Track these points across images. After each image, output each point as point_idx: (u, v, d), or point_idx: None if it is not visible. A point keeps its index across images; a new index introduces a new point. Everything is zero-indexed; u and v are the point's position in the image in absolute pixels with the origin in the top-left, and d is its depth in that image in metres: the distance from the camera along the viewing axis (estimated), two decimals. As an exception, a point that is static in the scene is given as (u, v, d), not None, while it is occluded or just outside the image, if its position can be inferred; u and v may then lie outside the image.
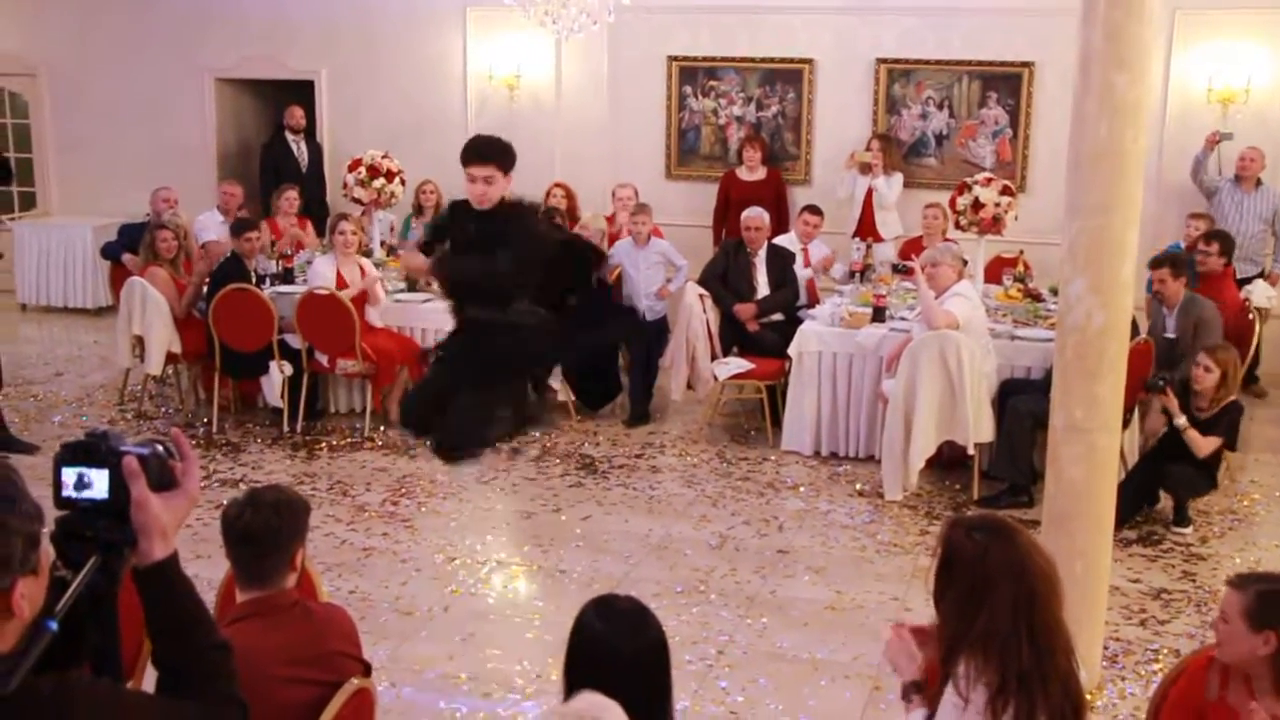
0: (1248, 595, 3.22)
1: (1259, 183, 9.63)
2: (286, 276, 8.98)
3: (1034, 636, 3.04)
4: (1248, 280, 9.45)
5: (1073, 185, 5.06)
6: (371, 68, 11.83)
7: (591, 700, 2.38)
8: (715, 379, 8.41)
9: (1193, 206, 9.59)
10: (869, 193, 10.23)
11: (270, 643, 3.23)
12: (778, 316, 8.81)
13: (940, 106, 10.64)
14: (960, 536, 3.15)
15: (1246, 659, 3.21)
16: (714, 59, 11.07)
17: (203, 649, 2.07)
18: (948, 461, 7.53)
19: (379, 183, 9.76)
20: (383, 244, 10.03)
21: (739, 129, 11.08)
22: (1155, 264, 7.88)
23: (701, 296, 8.57)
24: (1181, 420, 6.80)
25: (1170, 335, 7.73)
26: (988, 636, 3.03)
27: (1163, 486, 7.05)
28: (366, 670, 3.42)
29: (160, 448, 2.05)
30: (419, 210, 10.63)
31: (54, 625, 1.84)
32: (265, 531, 3.31)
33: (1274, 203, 9.60)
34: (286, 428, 8.36)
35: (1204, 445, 6.81)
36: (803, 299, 9.10)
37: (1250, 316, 8.20)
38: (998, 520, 3.26)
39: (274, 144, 11.88)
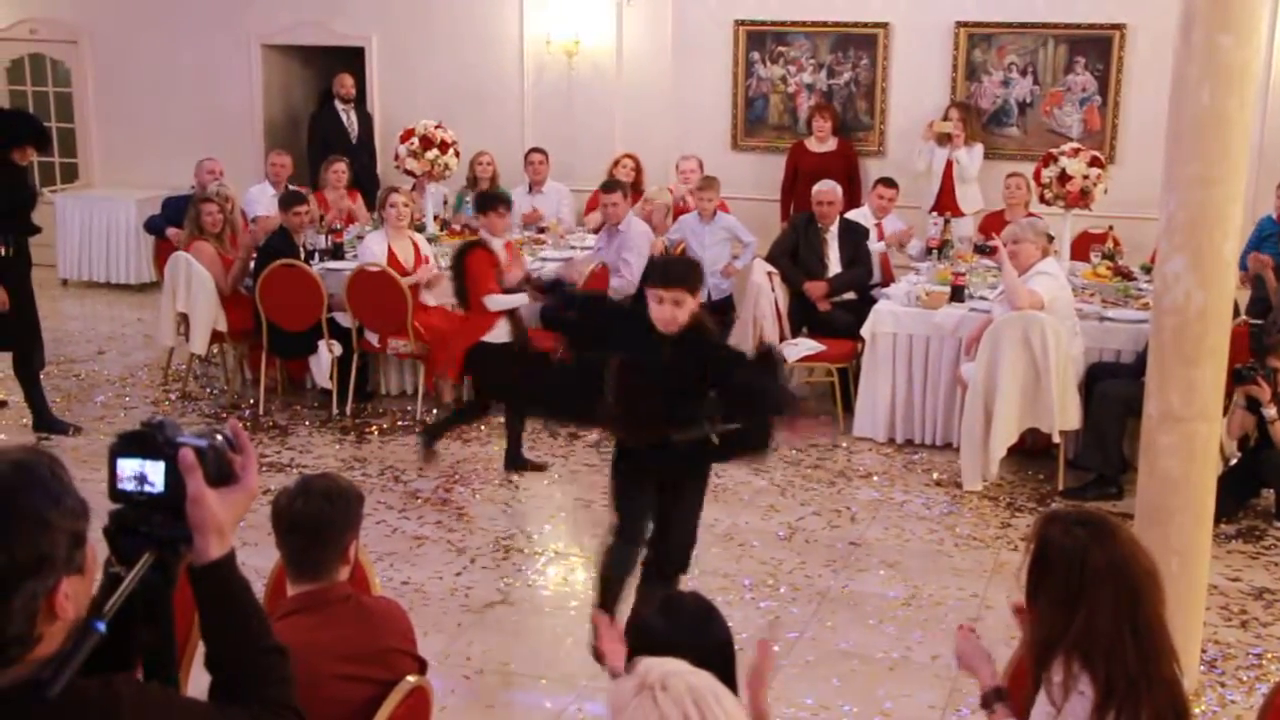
0: None
1: None
2: (336, 252, 8.99)
3: (1139, 639, 2.98)
4: None
5: (1172, 156, 4.95)
6: (424, 34, 11.82)
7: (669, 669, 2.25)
8: (785, 361, 8.33)
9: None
10: (948, 165, 10.10)
11: (322, 639, 3.22)
12: (850, 295, 8.72)
13: (1024, 73, 10.46)
14: (1058, 532, 3.09)
15: None
16: (783, 23, 10.95)
17: (258, 653, 2.05)
18: (1031, 450, 7.42)
19: (432, 154, 9.75)
20: (436, 218, 10.03)
21: (809, 97, 10.96)
22: None
23: (770, 274, 8.50)
24: (1271, 411, 6.62)
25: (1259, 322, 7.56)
26: (1088, 639, 2.98)
27: (1263, 479, 6.90)
28: (422, 667, 3.41)
29: (220, 439, 2.02)
30: (474, 183, 10.62)
31: (102, 626, 1.82)
32: (317, 522, 3.30)
33: None
34: (335, 410, 8.39)
35: None
36: (877, 277, 9.01)
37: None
38: (1097, 516, 3.19)
39: (322, 113, 11.92)
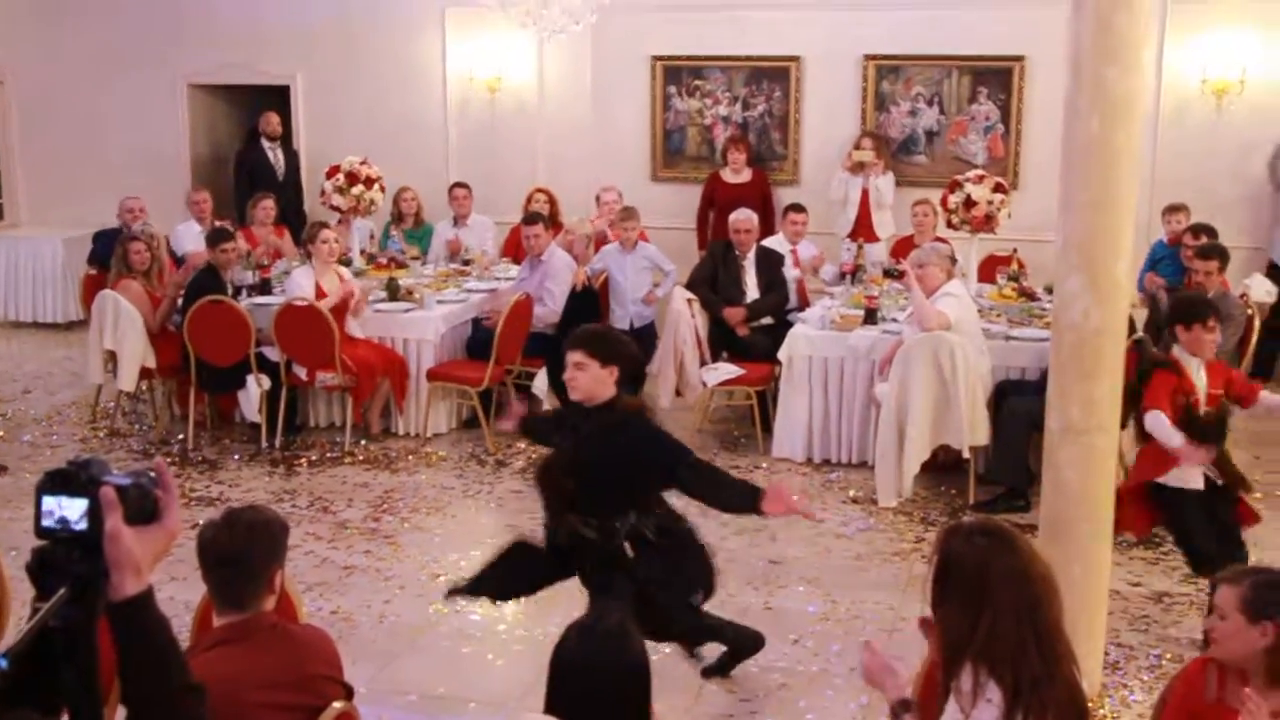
0: (1243, 588, 3.23)
1: None
2: (264, 287, 8.95)
3: (1040, 643, 3.05)
4: None
5: (1066, 182, 5.07)
6: (348, 72, 11.81)
7: None
8: (704, 385, 8.41)
9: (1192, 202, 9.61)
10: (864, 192, 10.26)
11: (248, 668, 3.21)
12: (768, 320, 8.81)
13: (930, 103, 10.66)
14: (959, 543, 3.16)
15: (1245, 654, 3.21)
16: (698, 58, 11.09)
17: (174, 691, 2.04)
18: (943, 466, 7.54)
19: (358, 190, 9.75)
20: (362, 253, 10.01)
21: (725, 129, 11.08)
22: (1206, 255, 7.89)
23: (689, 301, 8.58)
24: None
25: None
26: (993, 645, 3.04)
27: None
28: (348, 693, 3.41)
29: (145, 479, 2.02)
30: (399, 218, 10.62)
31: (3, 663, 1.80)
32: (241, 554, 3.30)
33: None
34: (265, 443, 8.32)
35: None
36: (793, 302, 9.11)
37: (1250, 312, 8.19)
38: (996, 525, 3.27)
39: (249, 151, 11.87)
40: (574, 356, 4.62)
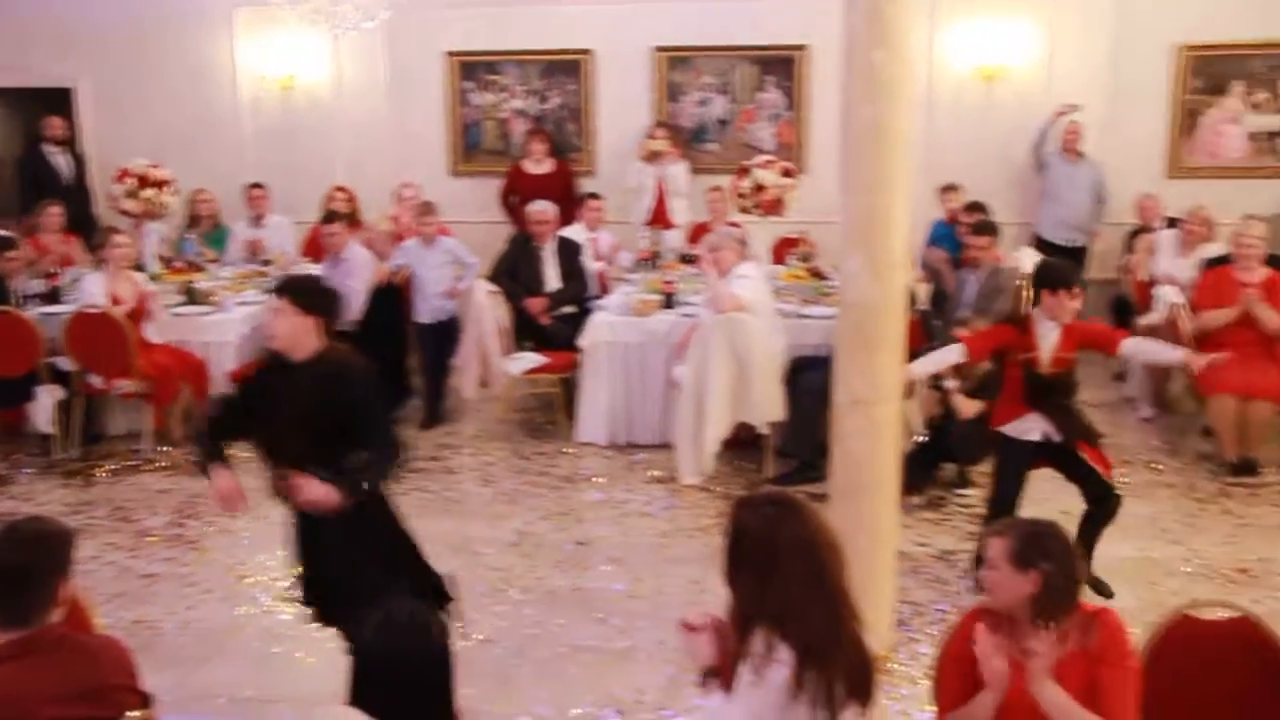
0: (1011, 539, 3.38)
1: (1081, 154, 10.18)
2: (52, 296, 8.58)
3: (826, 605, 3.14)
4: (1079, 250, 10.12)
5: (845, 165, 5.19)
6: (136, 74, 11.39)
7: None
8: (509, 375, 8.39)
9: (966, 181, 9.98)
10: (659, 181, 10.36)
11: (37, 682, 3.09)
12: (569, 309, 8.83)
13: (720, 92, 10.82)
14: (748, 515, 3.23)
15: (1015, 601, 3.36)
16: (493, 53, 11.05)
17: None
18: (742, 442, 7.66)
19: (149, 194, 9.41)
20: (160, 257, 9.68)
21: (522, 123, 11.06)
22: (980, 231, 8.19)
23: (491, 293, 8.54)
24: (951, 383, 7.09)
25: (967, 301, 8.05)
26: (782, 609, 3.11)
27: (946, 450, 7.33)
28: (146, 702, 3.30)
29: None
30: (194, 222, 10.31)
31: None
32: (20, 568, 3.16)
33: (1095, 172, 10.16)
34: (59, 454, 7.98)
35: (968, 408, 7.08)
36: (594, 290, 9.15)
37: (1020, 283, 8.54)
38: (782, 496, 3.35)
39: (31, 157, 11.32)
40: (274, 303, 4.47)
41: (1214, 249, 8.52)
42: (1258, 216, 8.14)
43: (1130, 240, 9.89)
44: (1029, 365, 5.88)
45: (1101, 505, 5.85)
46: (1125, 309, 9.55)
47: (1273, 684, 3.62)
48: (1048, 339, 5.92)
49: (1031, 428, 5.91)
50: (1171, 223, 9.35)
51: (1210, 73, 10.44)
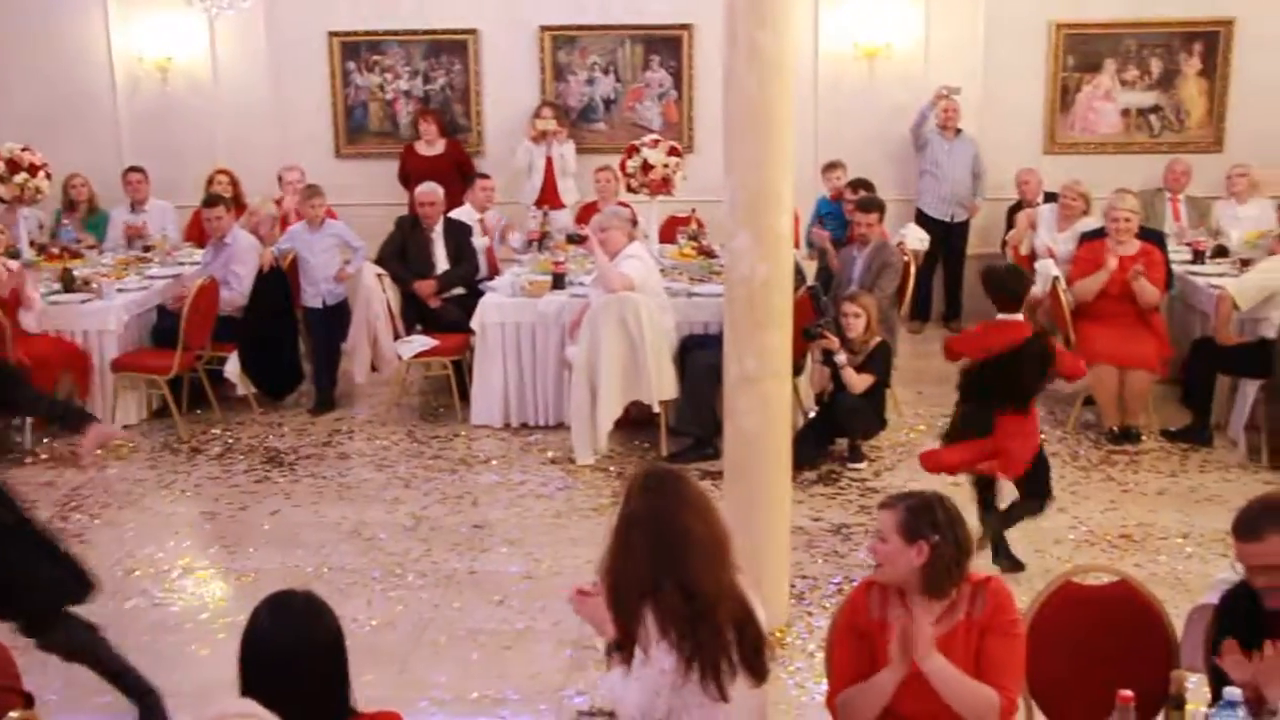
0: (899, 512, 3.42)
1: (959, 131, 10.34)
2: (-79, 285, 8.25)
3: (712, 583, 3.16)
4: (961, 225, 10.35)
5: (729, 143, 5.22)
6: (4, 57, 10.98)
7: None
8: (400, 359, 8.31)
9: (849, 159, 10.09)
10: (549, 161, 10.30)
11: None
12: (460, 290, 8.76)
13: (606, 71, 10.80)
14: (634, 493, 3.28)
15: (905, 573, 3.41)
16: (375, 33, 10.87)
17: None
18: (635, 421, 7.67)
19: (21, 178, 9.10)
20: (32, 243, 9.39)
21: (407, 103, 10.93)
22: (866, 207, 8.29)
23: (380, 276, 8.44)
24: (842, 357, 7.19)
25: (854, 276, 8.15)
26: (669, 587, 3.13)
27: (838, 424, 7.42)
28: (28, 702, 3.22)
29: None
30: (70, 205, 10.02)
31: None
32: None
33: (972, 149, 10.35)
34: (-66, 450, 7.73)
35: (858, 382, 7.23)
36: (484, 271, 9.09)
37: (906, 259, 8.66)
38: (665, 473, 3.38)
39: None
40: None
41: (1091, 222, 8.72)
42: (1130, 190, 8.36)
43: (1011, 215, 10.09)
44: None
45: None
46: (1006, 282, 9.70)
47: (1150, 644, 3.73)
48: None
49: None
50: (1050, 197, 9.55)
51: (1084, 50, 10.66)
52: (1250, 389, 7.47)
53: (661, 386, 7.34)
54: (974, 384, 5.91)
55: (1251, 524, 3.28)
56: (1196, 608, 3.67)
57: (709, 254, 8.97)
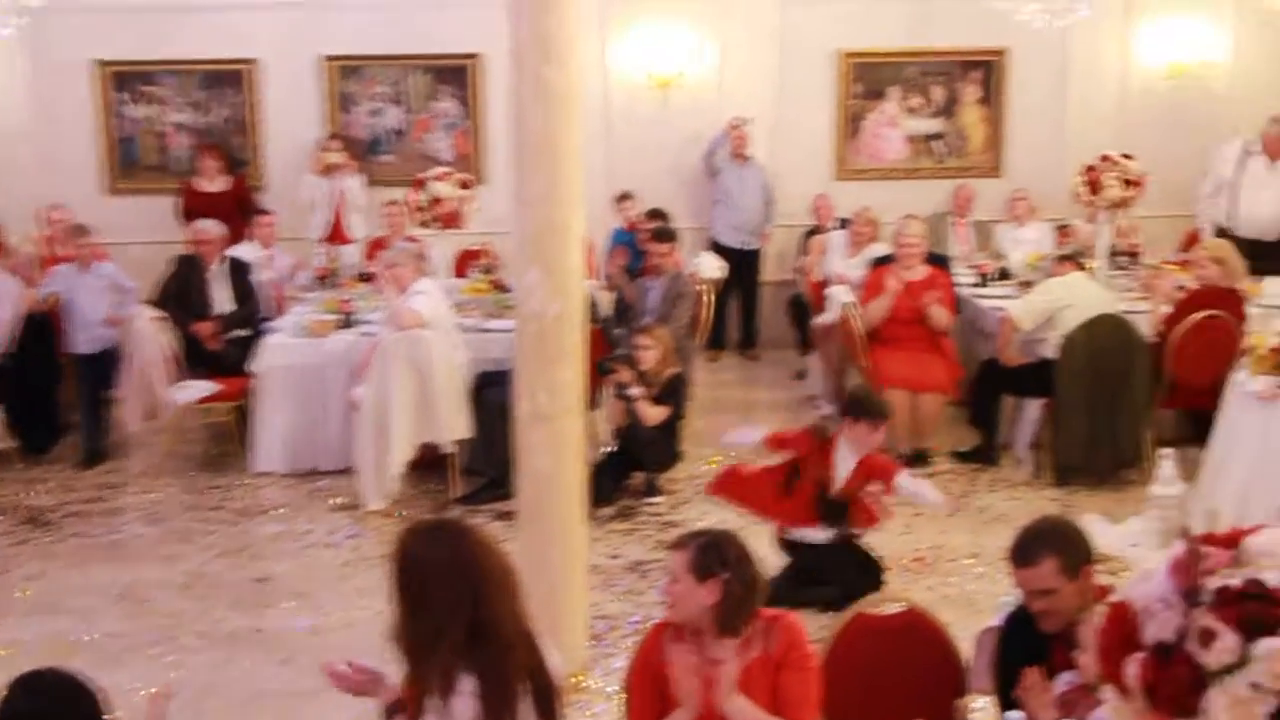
0: (689, 551, 3.43)
1: (749, 158, 10.52)
2: None
3: (503, 630, 3.10)
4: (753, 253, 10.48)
5: (518, 176, 5.19)
6: None
7: None
8: (177, 405, 7.98)
9: (643, 188, 10.19)
10: (335, 195, 10.11)
11: None
12: (243, 331, 8.48)
13: (393, 102, 10.67)
14: (405, 542, 3.20)
15: (697, 613, 3.42)
16: (148, 63, 10.52)
17: None
18: (429, 463, 7.54)
19: None
20: None
21: (182, 136, 10.59)
22: (661, 238, 8.34)
23: (155, 319, 8.11)
24: (636, 390, 7.21)
25: (650, 307, 8.20)
26: (459, 637, 3.06)
27: (634, 458, 7.44)
28: None
29: None
30: None
31: None
32: None
33: (763, 176, 10.54)
34: None
35: (653, 415, 7.27)
36: (268, 311, 8.83)
37: (701, 289, 8.78)
38: (447, 520, 3.33)
39: None
40: None
41: (880, 248, 8.99)
42: (916, 216, 8.65)
43: (805, 241, 10.33)
44: (821, 485, 5.93)
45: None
46: (802, 310, 9.96)
47: (941, 670, 3.82)
48: (843, 465, 5.89)
49: (818, 534, 6.00)
50: (844, 223, 9.82)
51: (870, 78, 11.02)
52: (1033, 408, 7.80)
53: (454, 426, 7.25)
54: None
55: (1025, 550, 3.42)
56: (984, 631, 3.78)
57: (502, 288, 8.90)
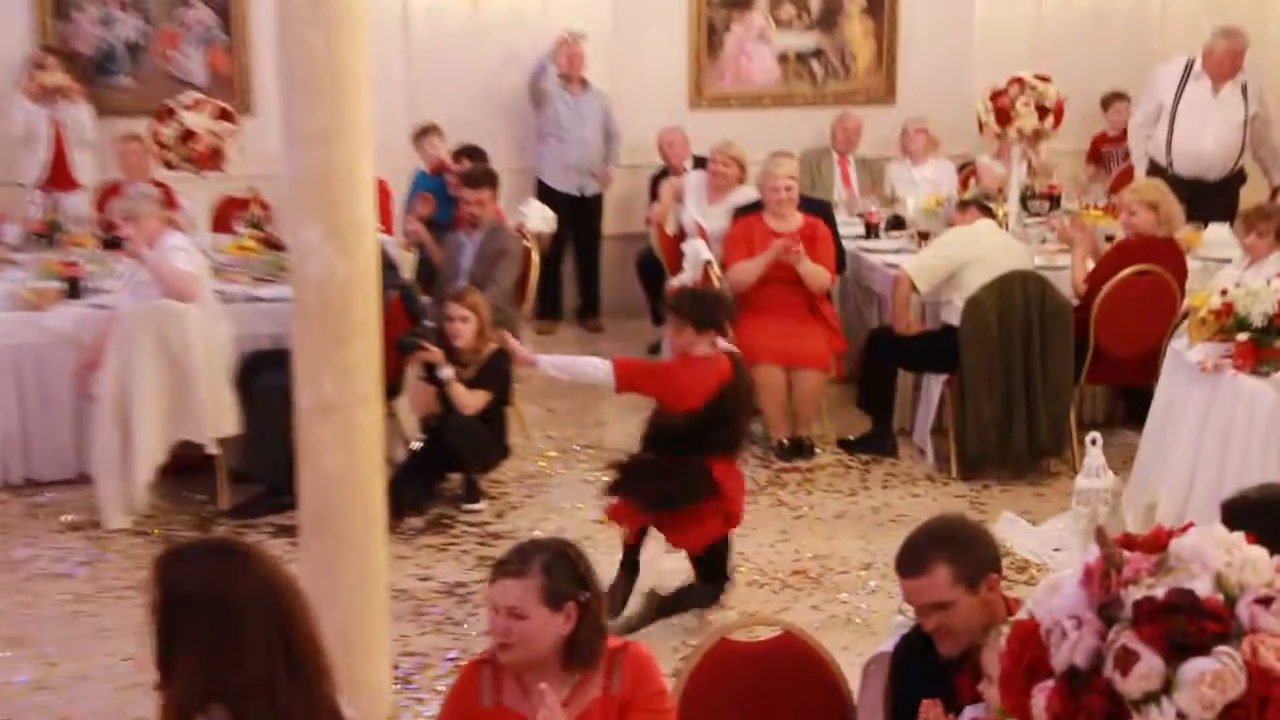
0: (536, 576, 3.46)
1: (585, 83, 10.51)
2: None
3: (295, 667, 3.11)
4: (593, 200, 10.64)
5: (290, 107, 5.15)
6: None
7: None
8: None
9: (452, 123, 10.17)
10: (55, 127, 9.87)
11: None
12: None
13: (126, 8, 10.44)
14: (186, 569, 3.15)
15: (548, 649, 3.46)
16: None
17: None
18: (187, 467, 7.48)
19: None
20: None
21: None
22: (475, 182, 8.34)
23: None
24: (448, 371, 7.23)
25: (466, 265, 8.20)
26: (238, 687, 3.05)
27: (449, 454, 7.48)
28: None
29: None
30: None
31: None
32: None
33: (604, 104, 10.55)
34: None
35: (471, 401, 7.30)
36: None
37: (528, 245, 8.81)
38: (223, 542, 3.33)
39: None
40: None
41: (747, 193, 9.08)
42: (788, 153, 8.79)
43: (655, 185, 10.37)
44: None
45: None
46: (654, 270, 10.02)
47: (823, 707, 3.94)
48: None
49: None
50: (700, 163, 9.88)
51: (733, -16, 11.16)
52: (936, 386, 8.02)
53: (218, 420, 7.20)
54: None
55: (912, 556, 3.51)
56: (873, 658, 3.89)
57: (277, 246, 8.80)
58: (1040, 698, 2.32)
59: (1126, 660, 2.23)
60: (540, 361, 6.55)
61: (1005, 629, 2.76)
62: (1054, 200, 9.80)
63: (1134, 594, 2.30)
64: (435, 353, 7.27)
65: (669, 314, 6.34)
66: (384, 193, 9.00)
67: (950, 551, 3.47)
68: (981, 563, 3.51)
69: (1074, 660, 2.29)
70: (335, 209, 5.14)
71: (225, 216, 9.46)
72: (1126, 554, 2.38)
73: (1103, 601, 2.32)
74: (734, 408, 6.10)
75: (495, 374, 7.49)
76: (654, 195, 10.34)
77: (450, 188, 9.15)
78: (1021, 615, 2.48)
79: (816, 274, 8.21)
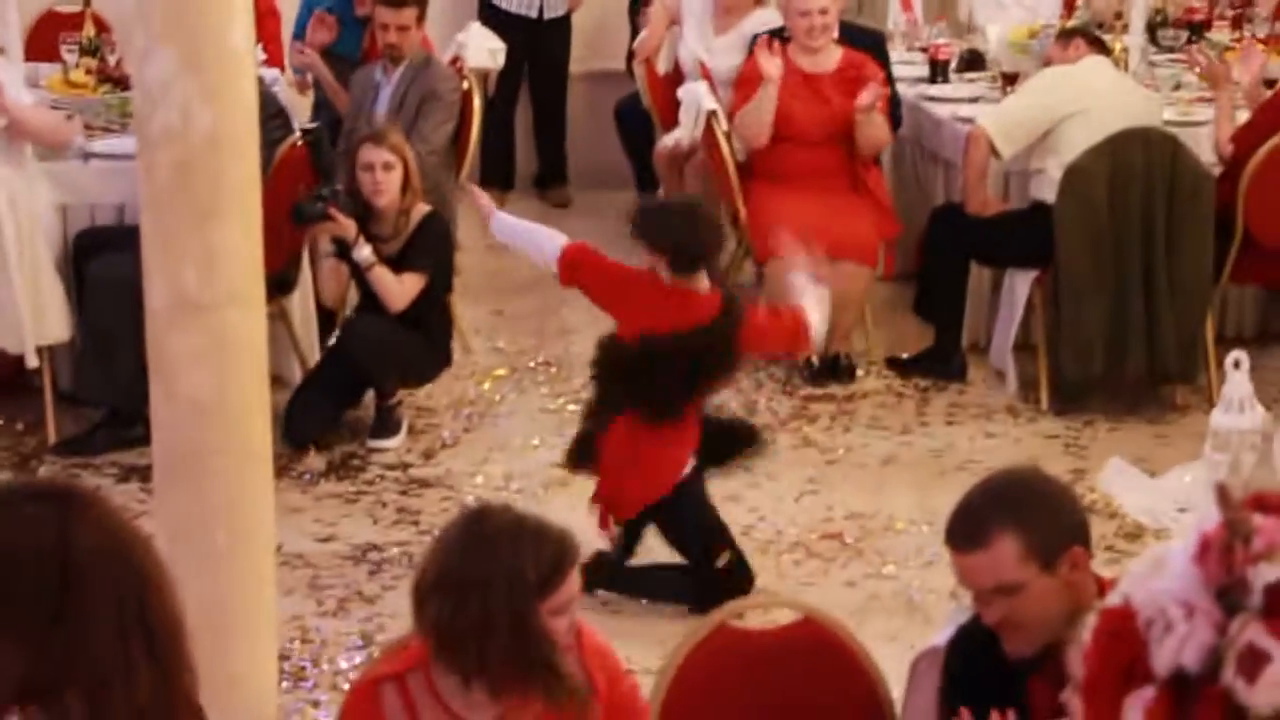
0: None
1: None
2: None
3: (152, 651, 3.14)
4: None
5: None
6: None
7: None
8: None
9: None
10: None
11: None
12: None
13: None
14: (8, 519, 3.17)
15: None
16: None
17: None
18: (3, 385, 7.59)
19: None
20: None
21: None
22: (395, 1, 8.32)
23: None
24: (365, 252, 7.17)
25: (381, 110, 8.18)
26: (82, 671, 3.09)
27: (348, 358, 7.53)
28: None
29: None
30: None
31: None
32: None
33: None
34: None
35: (398, 290, 7.25)
36: None
37: (466, 86, 8.74)
38: (60, 486, 3.32)
39: None
40: None
41: (768, 17, 9.01)
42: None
43: (639, 8, 10.27)
44: None
45: None
46: (638, 123, 9.99)
47: (849, 707, 3.96)
48: None
49: None
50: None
51: None
52: (1022, 286, 8.00)
53: (39, 323, 7.22)
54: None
55: (970, 524, 3.47)
56: (923, 653, 3.87)
57: (121, 83, 8.78)
58: (1136, 710, 2.32)
59: (1254, 662, 2.22)
60: (495, 220, 6.53)
61: (1093, 619, 2.73)
62: (1194, 29, 9.69)
63: (1266, 574, 2.27)
64: (347, 224, 7.22)
65: (633, 235, 6.14)
66: (268, 11, 8.94)
67: (1018, 517, 3.41)
68: (1061, 532, 3.47)
69: (1182, 661, 2.28)
70: (197, 32, 5.12)
71: (48, 40, 9.40)
72: (1258, 519, 2.33)
73: (1223, 584, 2.30)
74: (699, 366, 6.01)
75: (430, 248, 7.44)
76: (641, 21, 10.23)
77: (359, 5, 9.10)
78: (1114, 600, 2.45)
79: (876, 133, 8.17)
